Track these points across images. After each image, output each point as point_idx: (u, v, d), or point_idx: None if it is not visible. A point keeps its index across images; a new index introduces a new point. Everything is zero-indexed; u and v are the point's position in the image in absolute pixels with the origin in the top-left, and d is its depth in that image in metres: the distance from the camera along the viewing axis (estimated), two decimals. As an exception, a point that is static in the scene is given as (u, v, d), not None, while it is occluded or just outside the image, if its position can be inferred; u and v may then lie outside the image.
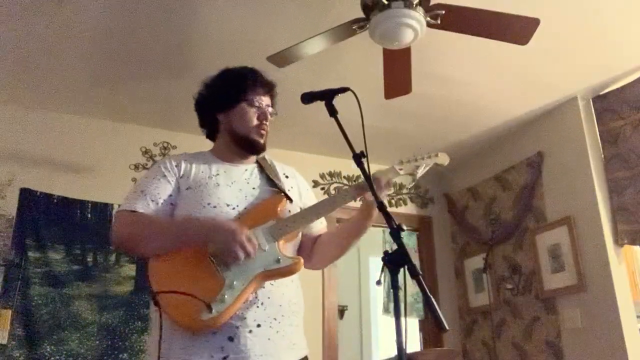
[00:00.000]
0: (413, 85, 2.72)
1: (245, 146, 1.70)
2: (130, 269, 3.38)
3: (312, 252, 1.76)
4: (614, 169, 3.23)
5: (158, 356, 1.32)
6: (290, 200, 1.66)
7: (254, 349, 1.42)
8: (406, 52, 2.47)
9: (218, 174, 1.65)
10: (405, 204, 4.38)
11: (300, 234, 1.71)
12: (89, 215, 3.40)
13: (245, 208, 1.58)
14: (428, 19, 2.25)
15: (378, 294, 5.48)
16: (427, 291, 1.11)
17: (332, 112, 1.50)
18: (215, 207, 1.55)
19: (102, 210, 3.42)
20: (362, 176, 1.42)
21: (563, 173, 3.46)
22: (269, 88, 1.76)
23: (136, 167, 3.60)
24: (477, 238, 4.09)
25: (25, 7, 2.54)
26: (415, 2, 2.20)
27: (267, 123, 1.71)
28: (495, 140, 4.02)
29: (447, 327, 1.11)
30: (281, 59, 2.45)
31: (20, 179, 3.28)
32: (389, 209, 1.31)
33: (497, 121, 3.75)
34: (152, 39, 2.81)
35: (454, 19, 2.28)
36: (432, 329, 4.18)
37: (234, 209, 1.57)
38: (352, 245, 1.73)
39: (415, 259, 4.32)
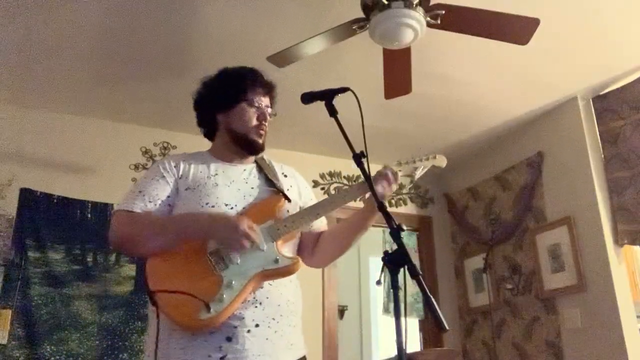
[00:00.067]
0: (413, 85, 2.72)
1: (244, 146, 1.70)
2: (130, 269, 3.38)
3: (314, 250, 1.76)
4: (614, 169, 3.23)
5: (155, 356, 1.32)
6: (289, 200, 1.65)
7: (252, 348, 1.42)
8: (406, 52, 2.47)
9: (217, 174, 1.65)
10: (405, 204, 4.38)
11: (298, 233, 1.70)
12: (89, 215, 3.40)
13: (243, 208, 1.58)
14: (428, 19, 2.25)
15: (378, 294, 5.47)
16: (427, 291, 1.11)
17: (332, 112, 1.50)
18: (213, 206, 1.55)
19: (102, 210, 3.42)
20: (362, 176, 1.42)
21: (563, 173, 3.46)
22: (268, 89, 1.76)
23: (136, 167, 3.60)
24: (477, 238, 4.08)
25: (26, 7, 2.54)
26: (415, 2, 2.20)
27: (266, 123, 1.72)
28: (495, 140, 4.02)
29: (447, 327, 1.11)
30: (281, 59, 2.45)
31: (20, 179, 3.28)
32: (389, 209, 1.31)
33: (497, 121, 3.75)
34: (152, 39, 2.81)
35: (454, 19, 2.28)
36: (432, 329, 4.18)
37: (232, 208, 1.56)
38: (354, 244, 1.73)
39: (415, 259, 4.32)
